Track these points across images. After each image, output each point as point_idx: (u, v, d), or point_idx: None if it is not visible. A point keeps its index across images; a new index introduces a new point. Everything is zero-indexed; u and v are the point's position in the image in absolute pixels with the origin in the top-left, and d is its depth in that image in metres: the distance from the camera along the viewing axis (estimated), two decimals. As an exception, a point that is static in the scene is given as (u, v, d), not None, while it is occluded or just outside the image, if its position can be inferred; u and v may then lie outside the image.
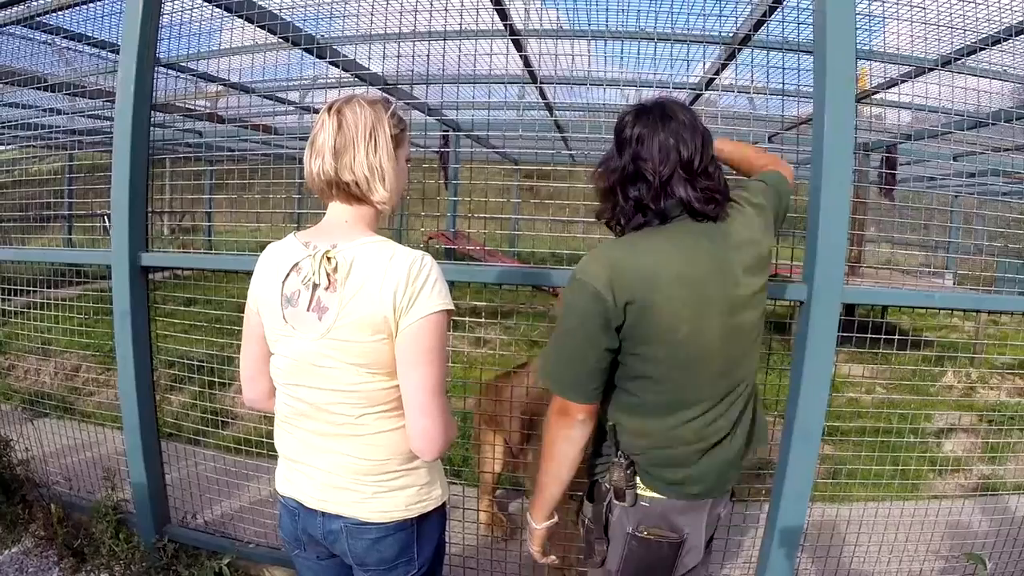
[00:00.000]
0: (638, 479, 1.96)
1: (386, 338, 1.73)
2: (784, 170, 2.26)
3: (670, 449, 1.92)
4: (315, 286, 1.76)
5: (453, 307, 1.80)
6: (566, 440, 1.93)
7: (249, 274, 2.00)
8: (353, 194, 1.81)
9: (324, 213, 1.89)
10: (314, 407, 1.82)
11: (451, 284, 3.35)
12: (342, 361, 1.75)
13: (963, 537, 3.87)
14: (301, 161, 1.92)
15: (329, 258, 1.75)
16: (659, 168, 1.86)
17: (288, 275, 1.82)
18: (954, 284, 9.24)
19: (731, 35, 3.70)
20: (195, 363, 3.83)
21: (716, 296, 1.86)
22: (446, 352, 1.81)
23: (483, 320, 3.89)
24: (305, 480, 1.89)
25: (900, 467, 3.98)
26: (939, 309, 3.20)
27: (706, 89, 4.95)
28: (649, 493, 1.95)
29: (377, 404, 1.80)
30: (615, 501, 1.97)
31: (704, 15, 2.87)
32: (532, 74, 5.04)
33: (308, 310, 1.77)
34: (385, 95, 1.93)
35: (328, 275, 1.74)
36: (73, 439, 4.34)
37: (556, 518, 2.09)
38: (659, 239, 1.88)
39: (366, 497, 1.84)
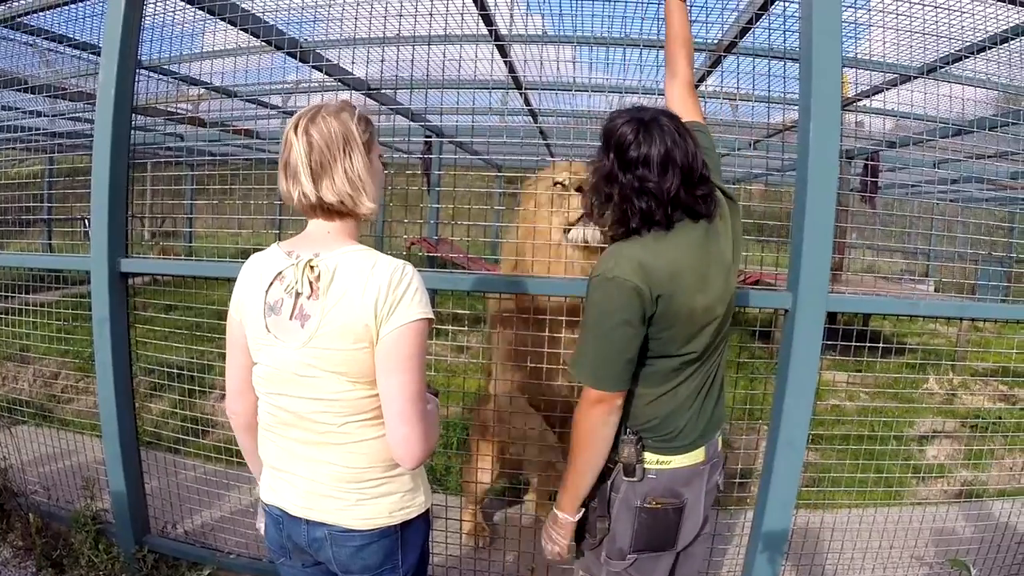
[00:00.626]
0: (646, 454, 2.14)
1: (367, 346, 1.73)
2: (699, 117, 2.48)
3: (674, 403, 2.13)
4: (298, 294, 1.76)
5: (433, 316, 1.81)
6: (605, 425, 2.08)
7: (230, 281, 1.99)
8: (337, 211, 1.81)
9: (305, 219, 1.89)
10: (296, 416, 1.81)
11: (433, 292, 3.35)
12: (324, 370, 1.75)
13: (947, 544, 3.89)
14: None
15: (312, 266, 1.75)
16: (666, 186, 2.01)
17: (271, 284, 1.81)
18: (935, 290, 9.35)
19: (716, 41, 3.71)
20: (175, 370, 3.78)
21: (717, 280, 2.11)
22: (425, 360, 1.81)
23: (465, 328, 3.89)
24: (289, 488, 1.89)
25: (884, 475, 3.99)
26: (923, 317, 3.21)
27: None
28: (656, 465, 2.15)
29: (359, 412, 1.79)
30: (623, 477, 2.15)
31: (691, 21, 2.86)
32: (516, 80, 5.03)
33: (291, 318, 1.77)
34: (346, 100, 1.90)
35: (311, 283, 1.74)
36: (51, 447, 4.28)
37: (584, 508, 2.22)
38: (671, 241, 2.05)
39: (349, 504, 1.84)
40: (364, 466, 1.82)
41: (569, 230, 3.27)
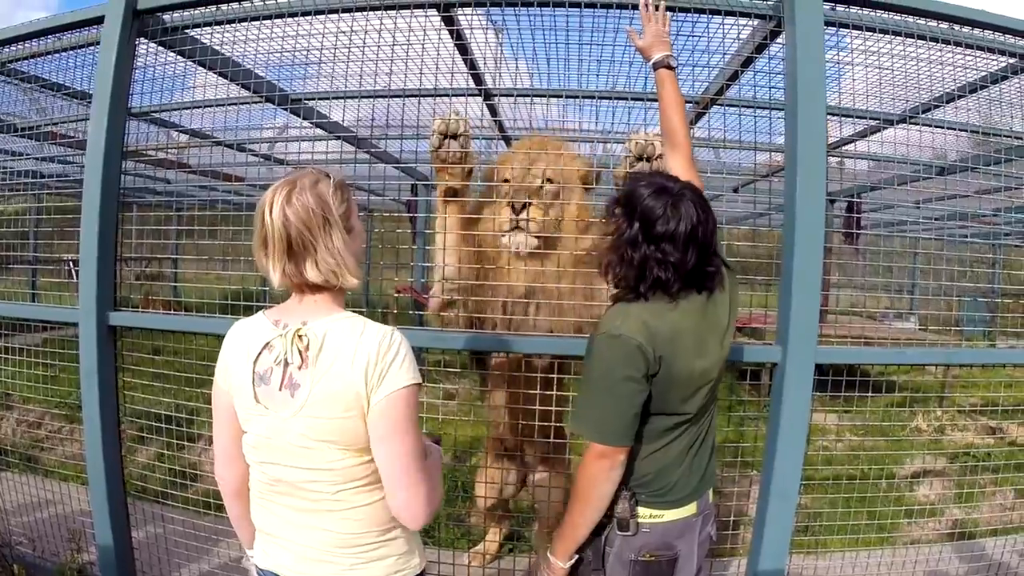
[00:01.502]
0: (639, 508, 2.21)
1: (358, 414, 1.73)
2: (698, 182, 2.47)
3: (666, 459, 2.21)
4: (287, 364, 1.75)
5: (421, 381, 1.81)
6: (608, 481, 2.13)
7: (218, 336, 1.98)
8: (322, 287, 1.81)
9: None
10: (289, 484, 1.80)
11: (422, 350, 3.33)
12: (315, 439, 1.74)
13: (941, 586, 3.88)
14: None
15: (300, 336, 1.75)
16: (686, 261, 2.10)
17: (260, 354, 1.80)
18: (919, 326, 9.43)
19: (703, 91, 3.77)
20: (162, 413, 3.75)
21: (713, 346, 2.22)
22: (417, 423, 1.82)
23: (452, 371, 3.88)
24: (282, 552, 1.87)
25: (876, 519, 3.98)
26: (911, 365, 3.25)
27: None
28: (649, 519, 2.22)
29: (352, 480, 1.78)
30: (617, 532, 2.22)
31: (677, 77, 2.91)
32: (501, 125, 5.09)
33: (280, 388, 1.76)
34: (320, 170, 1.88)
35: (300, 352, 1.74)
36: (36, 496, 4.22)
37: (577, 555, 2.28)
38: (674, 308, 2.15)
39: (344, 569, 1.83)
40: (359, 531, 1.81)
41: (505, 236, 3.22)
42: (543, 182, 3.27)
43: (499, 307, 3.29)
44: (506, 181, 3.32)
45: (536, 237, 3.18)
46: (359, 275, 1.85)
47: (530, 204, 3.15)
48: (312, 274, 1.75)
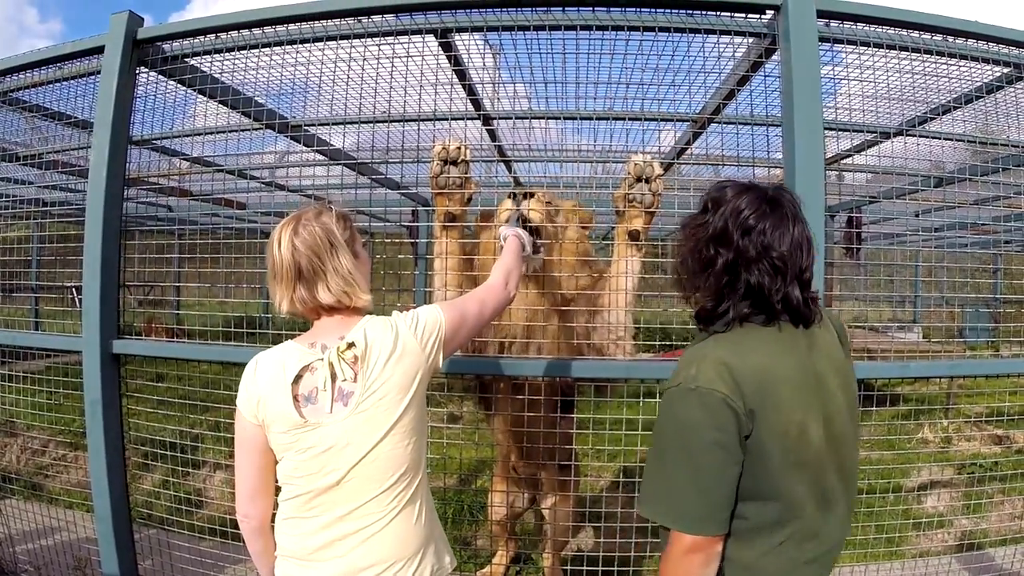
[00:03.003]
0: None
1: (417, 385, 1.93)
2: None
3: (778, 568, 1.73)
4: (334, 379, 1.84)
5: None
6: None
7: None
8: (336, 308, 1.94)
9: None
10: (337, 488, 1.86)
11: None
12: (371, 434, 1.84)
13: (951, 598, 3.85)
14: (267, 236, 2.00)
15: (351, 344, 1.86)
16: (792, 262, 1.74)
17: (301, 376, 1.87)
18: (922, 337, 9.41)
19: (699, 109, 3.79)
20: (166, 440, 3.74)
21: (815, 403, 1.73)
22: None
23: (457, 394, 3.89)
24: (324, 567, 1.90)
25: (885, 532, 3.96)
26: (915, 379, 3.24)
27: (675, 162, 5.04)
28: None
29: (396, 480, 1.89)
30: None
31: (673, 99, 2.94)
32: (500, 149, 5.11)
33: (331, 405, 1.85)
34: (322, 203, 2.02)
35: (351, 364, 1.85)
36: (41, 523, 4.21)
37: None
38: (764, 339, 1.75)
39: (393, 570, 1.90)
40: (404, 533, 1.91)
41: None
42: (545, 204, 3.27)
43: (498, 338, 3.29)
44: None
45: (539, 249, 3.14)
46: (368, 292, 1.98)
47: (531, 195, 3.15)
48: (324, 296, 1.89)
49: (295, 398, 1.85)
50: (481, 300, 2.17)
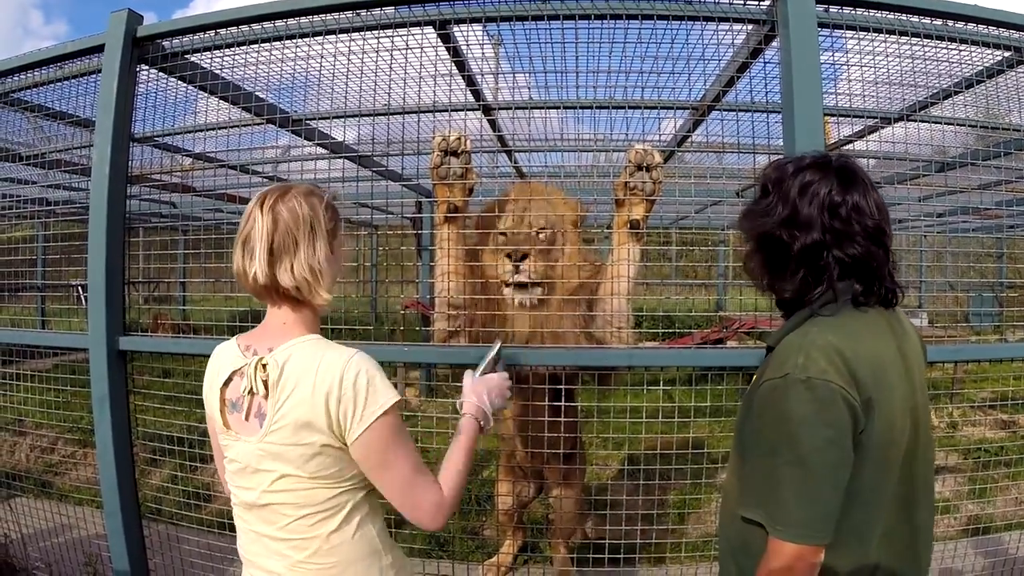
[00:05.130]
0: None
1: (320, 445, 1.69)
2: None
3: (869, 573, 1.61)
4: (252, 394, 1.73)
5: (396, 397, 1.74)
6: None
7: None
8: (292, 297, 1.77)
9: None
10: (258, 508, 1.79)
11: (430, 365, 3.31)
12: (280, 466, 1.72)
13: (957, 583, 3.85)
14: None
15: (263, 365, 1.72)
16: (888, 228, 1.62)
17: (230, 380, 1.81)
18: (928, 323, 9.39)
19: (699, 97, 3.79)
20: (174, 435, 3.76)
21: (909, 393, 1.62)
22: (406, 438, 1.77)
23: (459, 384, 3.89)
24: None
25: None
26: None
27: (676, 150, 5.04)
28: None
29: (318, 510, 1.75)
30: None
31: (673, 87, 2.94)
32: (501, 139, 5.11)
33: (248, 418, 1.75)
34: (317, 185, 1.89)
35: (264, 383, 1.71)
36: (52, 521, 4.24)
37: None
38: (866, 322, 1.62)
39: None
40: (328, 563, 1.76)
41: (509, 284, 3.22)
42: (537, 231, 3.30)
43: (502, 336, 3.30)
44: (503, 234, 3.33)
45: (538, 286, 3.20)
46: (332, 293, 1.82)
47: (527, 256, 3.16)
48: (285, 278, 1.72)
49: (223, 402, 1.80)
50: (394, 490, 1.76)
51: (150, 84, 3.57)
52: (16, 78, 3.96)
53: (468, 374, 2.19)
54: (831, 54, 3.40)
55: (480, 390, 2.08)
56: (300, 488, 1.72)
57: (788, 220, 1.63)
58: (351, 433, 1.68)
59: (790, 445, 1.49)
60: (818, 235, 1.60)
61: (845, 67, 3.52)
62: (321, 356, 1.71)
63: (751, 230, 1.74)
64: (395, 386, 1.81)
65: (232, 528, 2.38)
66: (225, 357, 1.85)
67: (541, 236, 3.27)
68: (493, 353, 2.24)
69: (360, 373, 1.69)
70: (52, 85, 4.03)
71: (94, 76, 3.72)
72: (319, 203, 1.78)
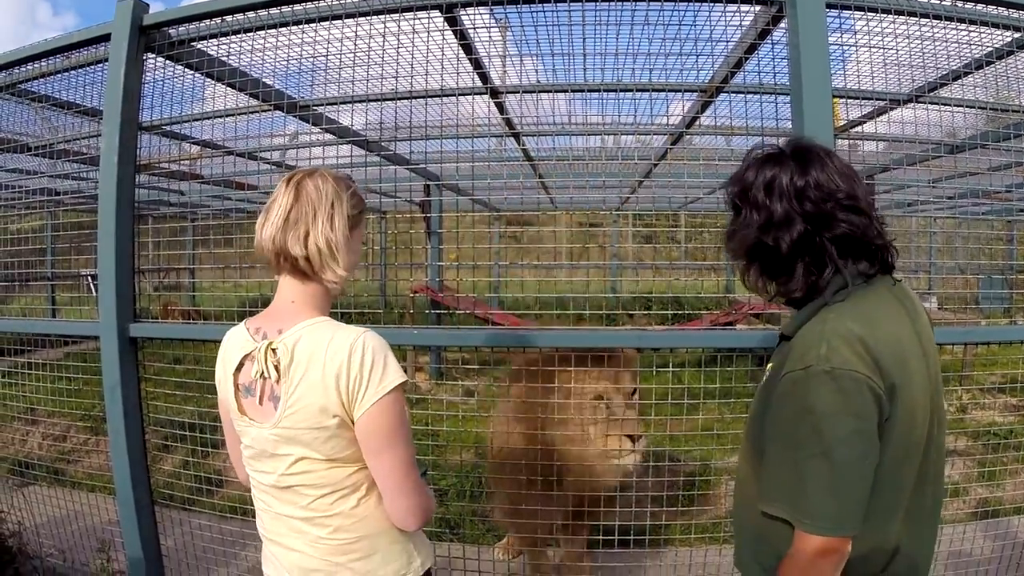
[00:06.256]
0: None
1: (334, 427, 1.71)
2: None
3: (884, 558, 1.61)
4: (264, 378, 1.74)
5: (404, 377, 1.76)
6: None
7: None
8: (301, 269, 1.76)
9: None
10: (278, 490, 1.81)
11: (441, 348, 3.33)
12: (297, 449, 1.74)
13: (965, 565, 3.84)
14: None
15: (273, 350, 1.73)
16: (862, 194, 1.59)
17: (242, 365, 1.81)
18: (937, 306, 9.36)
19: (708, 79, 3.77)
20: (185, 421, 3.79)
21: (927, 375, 1.60)
22: (408, 425, 1.78)
23: (474, 367, 3.90)
24: (277, 562, 1.88)
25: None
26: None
27: (686, 132, 5.02)
28: None
29: (334, 489, 1.77)
30: None
31: (681, 68, 2.93)
32: (509, 122, 5.10)
33: (262, 402, 1.76)
34: (347, 175, 1.91)
35: (275, 367, 1.72)
36: (65, 509, 4.27)
37: None
38: (879, 302, 1.59)
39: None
40: (346, 539, 1.79)
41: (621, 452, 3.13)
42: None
43: None
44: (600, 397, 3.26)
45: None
46: (348, 271, 1.81)
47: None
48: (296, 247, 1.72)
49: (236, 387, 1.81)
50: (393, 473, 1.74)
51: (157, 72, 3.56)
52: (24, 68, 3.96)
53: None
54: (839, 35, 3.38)
55: None
56: (318, 470, 1.74)
57: (766, 224, 1.61)
58: (358, 408, 1.68)
59: (816, 438, 1.47)
60: (800, 226, 1.58)
61: (853, 48, 3.49)
62: (330, 338, 1.71)
63: (738, 248, 1.71)
64: (404, 370, 1.81)
65: (243, 513, 2.42)
66: (235, 341, 1.85)
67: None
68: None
69: (368, 351, 1.69)
70: (59, 75, 4.03)
71: (101, 65, 3.72)
72: (344, 188, 1.80)
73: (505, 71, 4.00)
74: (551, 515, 3.10)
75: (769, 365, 1.77)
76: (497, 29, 3.48)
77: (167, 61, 3.52)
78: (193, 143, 5.37)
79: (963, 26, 3.24)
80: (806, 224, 1.58)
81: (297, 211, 1.73)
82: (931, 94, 4.23)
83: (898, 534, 1.59)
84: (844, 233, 1.58)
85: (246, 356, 1.80)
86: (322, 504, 1.77)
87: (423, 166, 6.63)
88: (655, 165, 6.67)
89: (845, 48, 3.52)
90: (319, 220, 1.73)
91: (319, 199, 1.74)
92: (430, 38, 3.04)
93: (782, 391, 1.56)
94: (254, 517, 2.02)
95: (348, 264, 1.81)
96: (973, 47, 3.56)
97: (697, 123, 4.95)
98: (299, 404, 1.69)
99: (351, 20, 3.15)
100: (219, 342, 1.95)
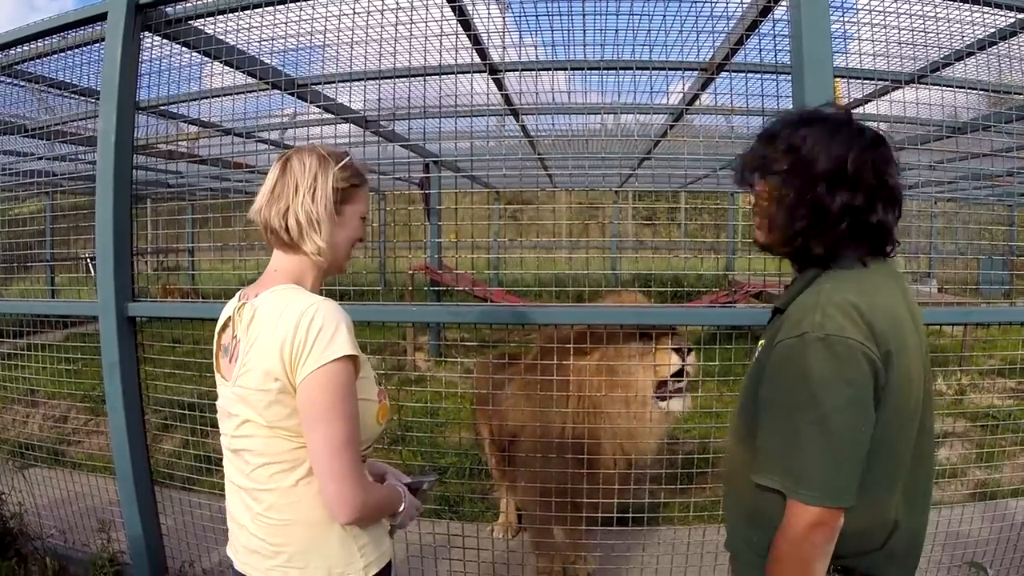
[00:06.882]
0: None
1: (276, 392, 1.65)
2: None
3: (884, 528, 1.59)
4: (235, 339, 1.77)
5: (354, 352, 1.67)
6: (824, 557, 1.48)
7: None
8: (283, 241, 1.77)
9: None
10: (231, 452, 1.79)
11: (440, 326, 3.33)
12: (245, 410, 1.71)
13: (964, 546, 3.85)
14: None
15: (241, 309, 1.77)
16: (887, 172, 1.56)
17: (225, 327, 1.84)
18: (938, 289, 9.36)
19: (708, 58, 3.75)
20: (185, 401, 3.80)
21: (918, 347, 1.58)
22: (353, 404, 1.67)
23: (474, 344, 3.91)
24: (234, 541, 1.84)
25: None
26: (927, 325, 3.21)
27: (686, 111, 4.99)
28: None
29: (275, 461, 1.70)
30: None
31: (682, 45, 2.91)
32: (508, 99, 5.07)
33: (232, 360, 1.77)
34: (346, 150, 1.90)
35: (246, 327, 1.74)
36: (65, 490, 4.28)
37: None
38: (874, 275, 1.59)
39: (277, 565, 1.73)
40: (282, 520, 1.71)
41: (661, 395, 3.07)
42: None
43: None
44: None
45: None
46: (334, 249, 1.80)
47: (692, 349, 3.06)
48: (275, 219, 1.75)
49: (218, 346, 1.84)
50: (323, 451, 1.63)
51: (154, 51, 3.54)
52: (19, 49, 3.94)
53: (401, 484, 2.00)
54: (841, 12, 3.35)
55: (411, 497, 1.95)
56: (260, 435, 1.70)
57: (834, 178, 1.55)
58: (299, 374, 1.62)
59: (810, 405, 1.44)
60: (864, 198, 1.55)
61: (855, 26, 3.47)
62: (286, 304, 1.68)
63: (785, 185, 1.62)
64: (365, 348, 1.76)
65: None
66: (228, 306, 1.88)
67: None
68: (428, 481, 2.12)
69: (317, 319, 1.64)
70: (56, 55, 4.01)
71: (98, 45, 3.70)
72: (332, 163, 1.79)
73: (504, 48, 3.97)
74: (587, 492, 3.06)
75: (761, 341, 1.74)
76: (496, 5, 3.45)
77: (164, 40, 3.49)
78: (191, 123, 5.35)
79: (965, 5, 3.22)
80: (867, 196, 1.55)
81: (281, 186, 1.76)
82: (934, 74, 4.20)
83: (897, 508, 1.58)
84: (879, 221, 1.56)
85: (229, 318, 1.83)
86: (261, 474, 1.71)
87: (422, 143, 6.62)
88: (656, 144, 6.68)
89: (847, 27, 3.49)
90: (300, 193, 1.74)
91: (302, 173, 1.75)
92: (428, 14, 3.02)
93: (776, 359, 1.54)
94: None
95: (334, 236, 1.79)
96: (976, 27, 3.54)
97: (698, 102, 4.93)
98: (250, 364, 1.68)
99: (349, -4, 3.13)
100: (215, 321, 1.95)
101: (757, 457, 1.57)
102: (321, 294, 1.80)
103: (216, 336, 1.87)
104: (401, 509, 1.88)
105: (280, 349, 1.62)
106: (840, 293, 1.50)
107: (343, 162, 1.82)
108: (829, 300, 1.49)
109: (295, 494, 1.71)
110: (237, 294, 1.88)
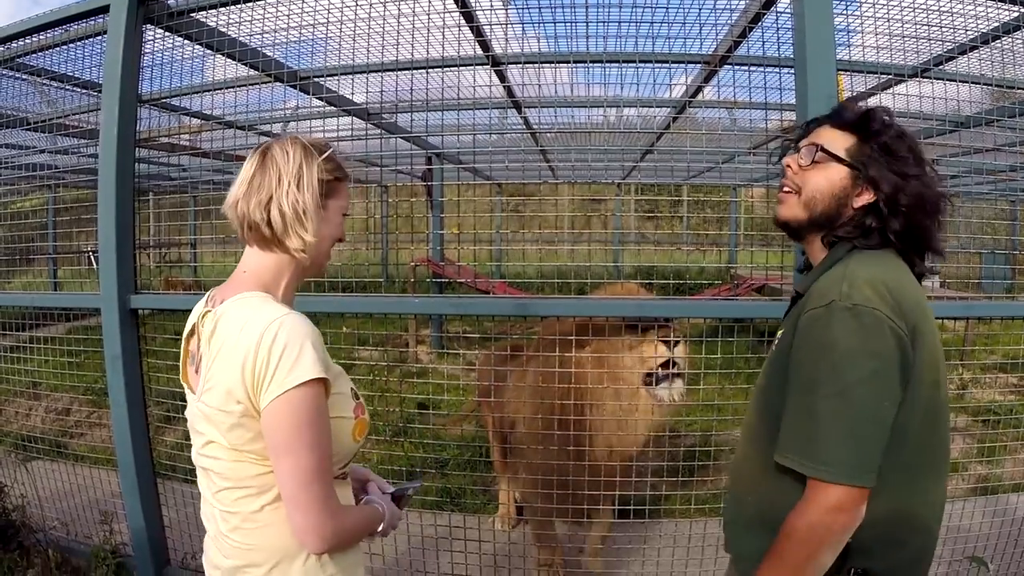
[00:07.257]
0: None
1: (240, 414, 1.54)
2: None
3: (913, 524, 1.53)
4: (199, 350, 1.65)
5: (320, 375, 1.52)
6: (834, 548, 1.42)
7: None
8: (264, 236, 1.64)
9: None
10: (199, 467, 1.70)
11: (441, 318, 3.32)
12: (209, 429, 1.61)
13: (964, 540, 3.85)
14: None
15: (204, 316, 1.65)
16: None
17: (192, 333, 1.71)
18: (940, 285, 9.32)
19: (711, 51, 3.74)
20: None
21: (936, 329, 1.56)
22: (321, 429, 1.54)
23: (476, 336, 3.90)
24: (207, 550, 1.76)
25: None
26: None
27: (689, 104, 4.98)
28: None
29: (240, 486, 1.60)
30: None
31: (684, 37, 2.90)
32: (510, 91, 5.07)
33: (198, 371, 1.66)
34: (327, 141, 1.77)
35: (208, 338, 1.61)
36: (68, 482, 4.30)
37: None
38: (900, 264, 1.57)
39: None
40: (246, 545, 1.61)
41: (651, 382, 3.07)
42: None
43: None
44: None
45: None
46: (319, 244, 1.68)
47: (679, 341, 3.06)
48: (257, 212, 1.61)
49: (186, 352, 1.71)
50: (291, 481, 1.51)
51: (156, 44, 3.54)
52: (21, 42, 3.93)
53: (382, 493, 1.91)
54: (845, 6, 3.34)
55: (392, 508, 1.84)
56: (224, 458, 1.60)
57: (914, 178, 1.58)
58: (263, 399, 1.50)
59: (833, 377, 1.39)
60: (911, 199, 1.56)
61: (858, 19, 3.46)
62: (248, 317, 1.55)
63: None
64: (333, 367, 1.66)
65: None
66: (195, 309, 1.74)
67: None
68: (412, 487, 2.05)
69: (280, 337, 1.50)
70: (58, 48, 4.00)
71: (100, 37, 3.69)
72: (316, 154, 1.67)
73: (507, 39, 3.96)
74: (585, 485, 3.05)
75: (780, 331, 1.70)
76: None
77: (166, 32, 3.49)
78: (193, 116, 5.34)
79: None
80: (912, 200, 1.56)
81: (261, 176, 1.62)
82: (937, 68, 4.19)
83: (924, 499, 1.53)
84: (916, 226, 1.57)
85: (195, 324, 1.70)
86: (225, 497, 1.61)
87: (424, 136, 6.61)
88: (659, 137, 6.68)
89: (851, 19, 3.48)
90: (284, 184, 1.61)
91: (285, 163, 1.62)
92: (431, 7, 3.01)
93: (802, 331, 1.49)
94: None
95: (319, 232, 1.66)
96: (980, 21, 3.53)
97: (700, 95, 4.92)
98: (213, 382, 1.56)
99: (351, -11, 3.12)
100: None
101: (780, 436, 1.51)
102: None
103: (184, 341, 1.73)
104: (380, 528, 1.78)
105: (241, 370, 1.50)
106: (867, 269, 1.48)
107: (327, 153, 1.70)
108: (855, 274, 1.46)
109: (260, 519, 1.60)
110: (206, 295, 1.75)
